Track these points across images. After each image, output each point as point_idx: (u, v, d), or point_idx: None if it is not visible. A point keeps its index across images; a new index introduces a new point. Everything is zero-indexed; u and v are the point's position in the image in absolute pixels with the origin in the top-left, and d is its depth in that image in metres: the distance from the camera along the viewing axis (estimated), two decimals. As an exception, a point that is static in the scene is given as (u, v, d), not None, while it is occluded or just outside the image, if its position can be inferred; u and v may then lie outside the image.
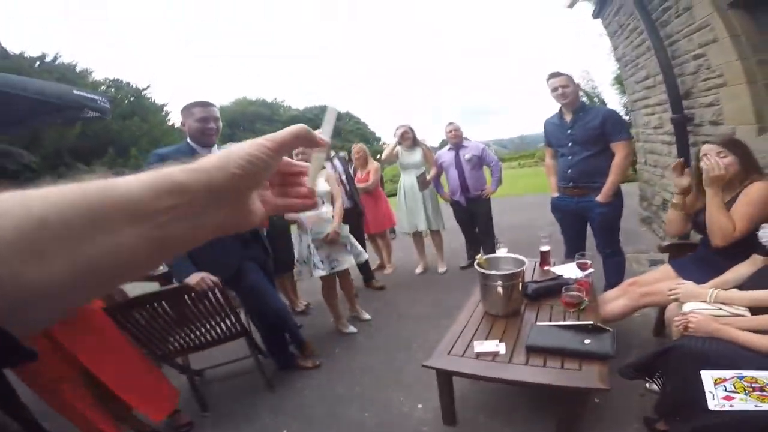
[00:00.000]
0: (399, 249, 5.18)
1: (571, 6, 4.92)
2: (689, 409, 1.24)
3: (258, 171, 0.32)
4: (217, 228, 0.31)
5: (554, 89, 2.58)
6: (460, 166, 3.75)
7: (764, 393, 0.85)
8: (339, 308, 3.04)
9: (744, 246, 1.62)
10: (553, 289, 2.07)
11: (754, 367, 1.12)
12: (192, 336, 2.16)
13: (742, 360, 1.16)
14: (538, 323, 1.75)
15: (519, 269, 1.92)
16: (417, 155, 3.85)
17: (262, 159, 0.32)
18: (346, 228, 2.91)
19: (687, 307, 1.53)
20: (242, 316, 2.41)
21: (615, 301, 2.04)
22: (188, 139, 2.07)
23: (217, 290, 2.00)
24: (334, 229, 2.77)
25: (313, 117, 37.25)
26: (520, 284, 1.94)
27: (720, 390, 0.94)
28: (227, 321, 2.16)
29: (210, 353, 2.30)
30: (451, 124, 3.84)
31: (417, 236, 4.11)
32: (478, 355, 1.60)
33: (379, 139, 43.61)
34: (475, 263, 2.04)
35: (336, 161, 3.59)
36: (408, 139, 3.80)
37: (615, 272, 2.73)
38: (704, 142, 1.84)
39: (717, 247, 1.71)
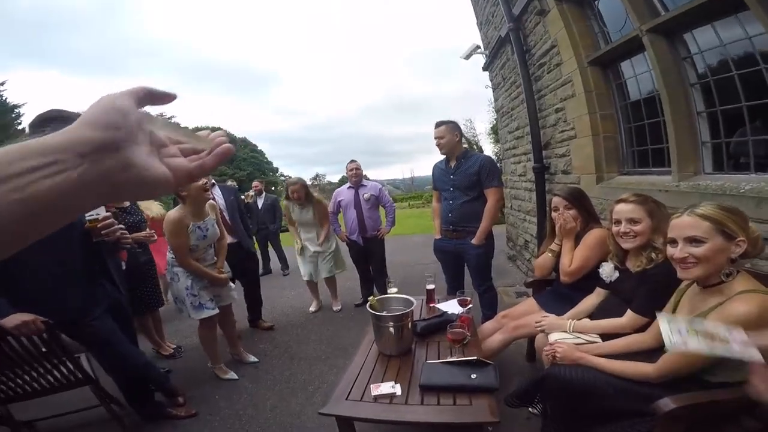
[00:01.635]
0: (290, 287, 4.97)
1: (466, 57, 5.48)
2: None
3: (118, 121, 0.32)
4: (106, 185, 0.31)
5: (435, 139, 2.88)
6: (359, 206, 3.76)
7: (713, 339, 0.90)
8: (218, 351, 2.71)
9: (589, 281, 1.97)
10: (440, 325, 2.19)
11: (612, 390, 1.33)
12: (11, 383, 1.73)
13: (600, 382, 1.37)
14: (428, 361, 1.79)
15: (408, 310, 1.98)
16: (309, 213, 3.65)
17: (121, 111, 0.32)
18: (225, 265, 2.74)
19: (552, 336, 1.78)
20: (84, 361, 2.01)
21: (492, 336, 2.25)
22: None
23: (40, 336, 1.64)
24: (218, 268, 2.56)
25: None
26: (410, 323, 2.00)
27: (675, 334, 0.99)
28: (60, 369, 1.78)
29: (48, 401, 1.87)
30: (353, 162, 3.83)
31: (310, 281, 3.95)
32: (376, 398, 1.57)
33: (276, 169, 41.87)
34: (368, 305, 2.07)
35: (216, 189, 3.27)
36: (300, 197, 3.59)
37: (489, 305, 3.05)
38: (554, 194, 2.19)
39: (566, 283, 2.06)
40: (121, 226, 1.84)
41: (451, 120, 2.91)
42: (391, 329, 1.91)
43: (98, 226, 1.73)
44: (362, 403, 1.56)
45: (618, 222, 1.70)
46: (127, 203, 2.76)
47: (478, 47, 5.38)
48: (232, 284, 2.78)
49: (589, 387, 1.36)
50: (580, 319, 1.85)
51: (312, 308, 4.03)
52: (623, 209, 1.68)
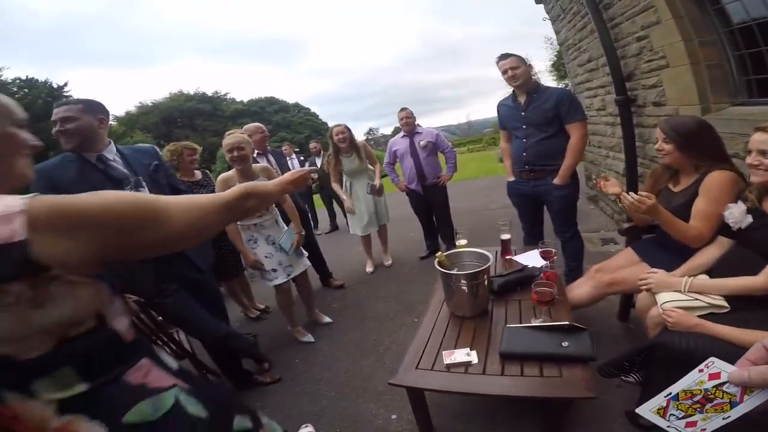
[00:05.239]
0: (359, 243, 4.99)
1: None
2: None
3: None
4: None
5: (504, 72, 2.50)
6: (415, 154, 3.59)
7: (712, 402, 0.66)
8: (295, 315, 2.80)
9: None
10: (520, 281, 1.97)
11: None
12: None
13: (726, 355, 1.08)
14: (509, 325, 1.60)
15: (484, 266, 1.74)
16: (355, 160, 3.48)
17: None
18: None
19: (662, 297, 1.46)
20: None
21: (581, 287, 1.97)
22: None
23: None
24: (298, 232, 2.57)
25: (259, 110, 35.90)
26: (486, 281, 1.78)
27: (675, 421, 0.74)
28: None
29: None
30: (403, 110, 3.62)
31: (366, 236, 3.88)
32: (449, 367, 1.44)
33: (333, 129, 44.73)
34: (436, 261, 1.87)
35: (270, 156, 3.34)
36: (344, 141, 3.40)
37: (574, 256, 2.72)
38: (655, 125, 1.77)
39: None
40: None
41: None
42: (464, 288, 1.73)
43: None
44: (433, 372, 1.45)
45: (750, 152, 1.33)
46: (199, 176, 2.95)
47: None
48: (304, 252, 2.75)
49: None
50: (696, 275, 1.49)
51: (368, 269, 3.92)
52: (756, 138, 1.32)
